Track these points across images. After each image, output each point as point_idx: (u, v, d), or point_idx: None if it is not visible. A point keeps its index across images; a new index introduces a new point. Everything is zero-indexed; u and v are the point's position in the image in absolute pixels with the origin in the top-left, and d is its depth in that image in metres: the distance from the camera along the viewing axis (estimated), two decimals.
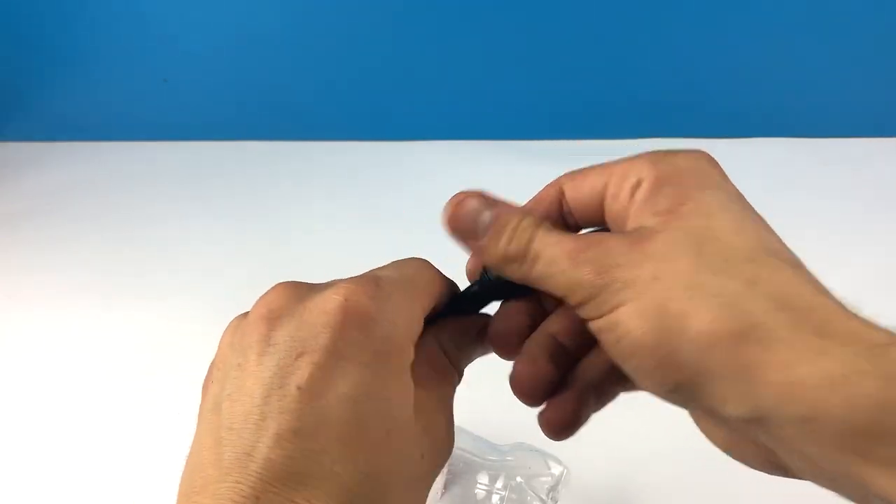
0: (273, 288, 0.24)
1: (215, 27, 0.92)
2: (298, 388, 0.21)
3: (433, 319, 0.27)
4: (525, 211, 0.26)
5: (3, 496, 0.54)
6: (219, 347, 0.24)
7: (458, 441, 0.43)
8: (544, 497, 0.41)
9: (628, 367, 0.23)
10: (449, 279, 0.28)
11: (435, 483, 0.40)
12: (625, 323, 0.22)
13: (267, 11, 0.90)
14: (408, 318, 0.24)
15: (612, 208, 0.25)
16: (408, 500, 0.23)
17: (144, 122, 0.98)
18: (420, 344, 0.25)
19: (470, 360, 0.28)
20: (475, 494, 0.41)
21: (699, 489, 0.51)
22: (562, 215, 0.27)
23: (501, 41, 0.89)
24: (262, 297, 0.24)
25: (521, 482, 0.41)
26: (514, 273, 0.25)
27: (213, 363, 0.24)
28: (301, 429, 0.20)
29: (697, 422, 0.25)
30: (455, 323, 0.28)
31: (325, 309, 0.22)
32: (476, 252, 0.27)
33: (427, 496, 0.24)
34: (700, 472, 0.51)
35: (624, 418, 0.57)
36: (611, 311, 0.22)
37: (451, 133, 0.95)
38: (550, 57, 0.90)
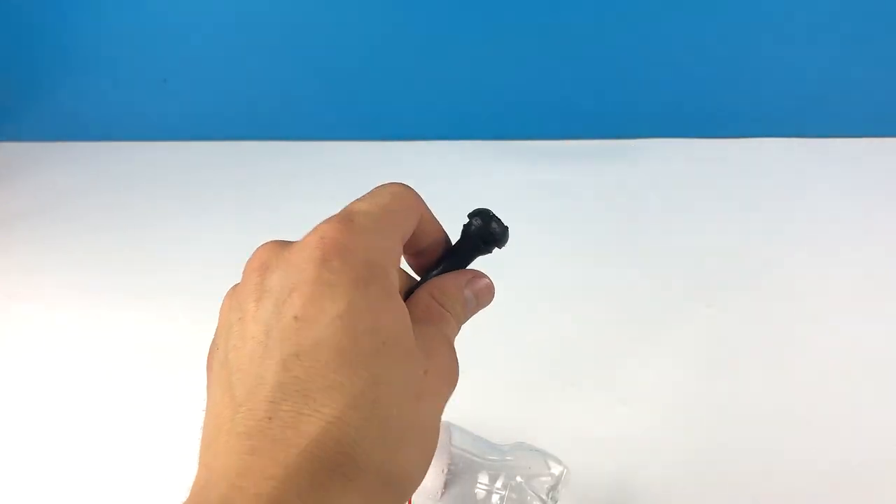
0: (257, 248, 0.26)
1: (215, 27, 0.92)
2: (295, 318, 0.22)
3: (425, 278, 0.29)
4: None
5: (3, 495, 0.54)
6: (219, 317, 0.25)
7: (458, 441, 0.43)
8: (544, 497, 0.41)
9: None
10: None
11: (434, 482, 0.40)
12: None
13: (267, 12, 0.90)
14: (384, 245, 0.25)
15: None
16: (420, 410, 0.23)
17: (144, 122, 0.98)
18: (414, 296, 0.27)
19: (463, 309, 0.29)
20: (475, 494, 0.40)
21: (699, 489, 0.51)
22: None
23: (501, 42, 0.90)
24: (250, 258, 0.25)
25: (521, 482, 0.41)
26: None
27: (214, 335, 0.25)
28: (301, 351, 0.21)
29: None
30: (444, 277, 0.29)
31: (306, 248, 0.24)
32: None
33: (441, 413, 0.25)
34: (700, 472, 0.51)
35: (623, 418, 0.57)
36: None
37: (450, 133, 0.95)
38: (550, 57, 0.90)
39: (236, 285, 0.25)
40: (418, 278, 0.30)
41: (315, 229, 0.24)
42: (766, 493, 0.48)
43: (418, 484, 0.24)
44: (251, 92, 0.97)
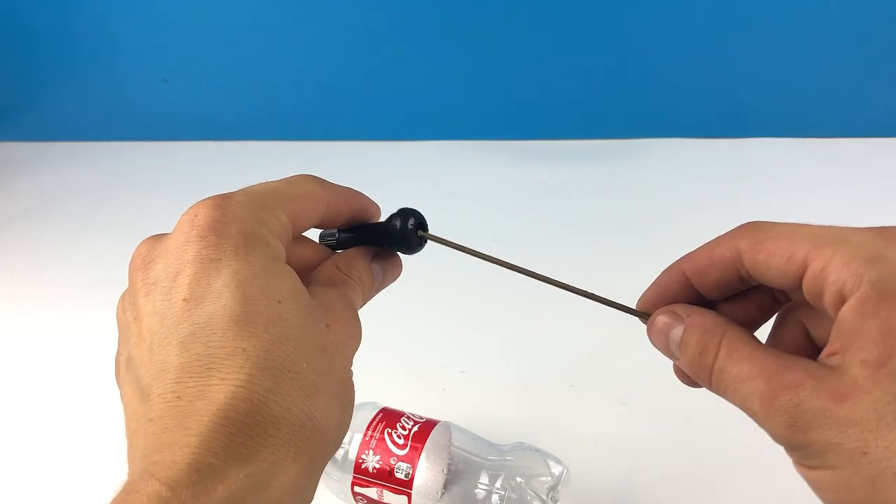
0: (135, 249, 0.26)
1: (215, 27, 0.92)
2: (184, 300, 0.22)
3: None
4: (707, 327, 0.25)
5: (3, 495, 0.54)
6: (117, 325, 0.26)
7: (458, 441, 0.43)
8: (544, 497, 0.41)
9: None
10: (339, 193, 0.29)
11: (434, 482, 0.40)
12: (835, 490, 0.21)
13: (267, 12, 0.90)
14: (262, 216, 0.25)
15: (818, 304, 0.23)
16: (329, 361, 0.24)
17: (144, 122, 0.98)
18: (320, 266, 0.28)
19: (369, 278, 0.29)
20: (475, 494, 0.41)
21: (699, 489, 0.51)
22: (740, 278, 0.26)
23: (501, 42, 0.89)
24: (131, 259, 0.26)
25: (521, 482, 0.41)
26: (719, 392, 0.24)
27: (117, 343, 0.26)
28: (197, 329, 0.22)
29: None
30: (352, 250, 0.30)
31: (181, 232, 0.24)
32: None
33: (349, 365, 0.25)
34: (700, 473, 0.51)
35: (623, 418, 0.57)
36: (814, 469, 0.22)
37: (450, 133, 0.95)
38: (550, 57, 0.90)
39: (125, 290, 0.26)
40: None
41: (187, 211, 0.25)
42: (765, 493, 0.48)
43: (340, 435, 0.24)
44: (251, 92, 0.97)
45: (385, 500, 0.41)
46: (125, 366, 0.24)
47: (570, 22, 0.87)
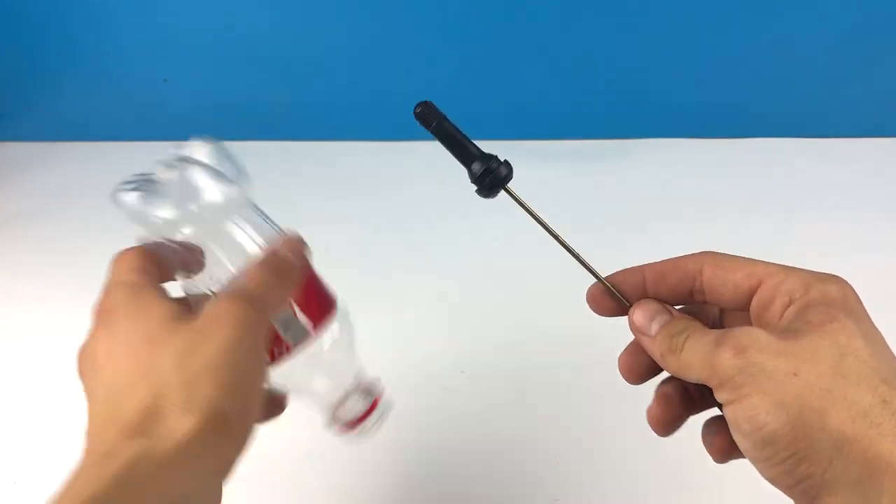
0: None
1: (215, 27, 0.92)
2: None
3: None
4: (689, 319, 0.31)
5: (3, 495, 0.54)
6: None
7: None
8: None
9: (758, 455, 0.26)
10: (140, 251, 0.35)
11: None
12: (763, 414, 0.25)
13: (267, 11, 0.90)
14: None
15: (761, 315, 0.29)
16: (204, 352, 0.28)
17: (144, 122, 0.98)
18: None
19: (258, 284, 0.32)
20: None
21: (700, 488, 0.51)
22: (691, 291, 0.32)
23: (501, 42, 0.89)
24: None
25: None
26: (669, 366, 0.30)
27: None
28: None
29: None
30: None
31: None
32: (643, 343, 0.32)
33: (231, 348, 0.28)
34: (700, 474, 0.51)
35: (626, 415, 0.57)
36: (746, 396, 0.25)
37: None
38: (550, 57, 0.90)
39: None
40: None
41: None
42: (765, 493, 0.48)
43: (250, 421, 0.29)
44: (251, 92, 0.97)
45: None
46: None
47: (570, 22, 0.87)
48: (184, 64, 0.95)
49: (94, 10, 0.92)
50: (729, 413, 0.27)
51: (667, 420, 0.33)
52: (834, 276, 0.29)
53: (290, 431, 0.58)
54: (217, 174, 0.34)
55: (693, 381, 0.29)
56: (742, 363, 0.26)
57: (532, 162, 0.91)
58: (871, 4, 0.84)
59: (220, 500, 0.28)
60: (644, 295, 0.33)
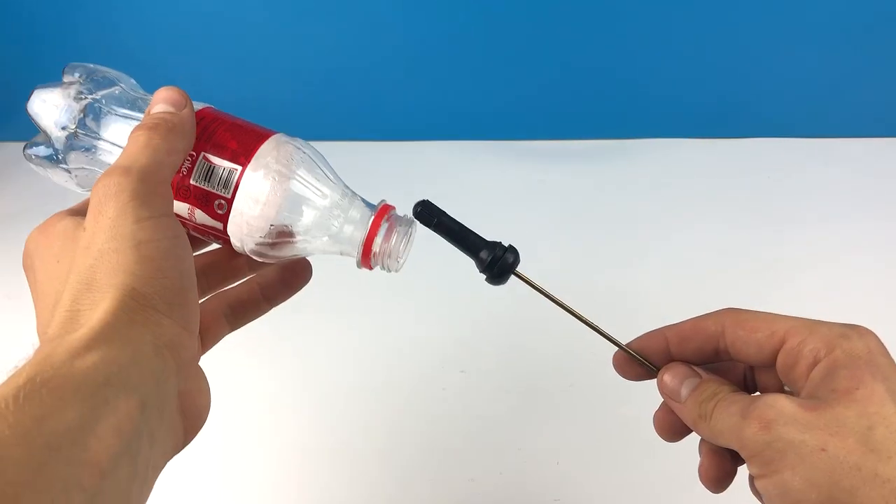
0: None
1: (216, 27, 0.92)
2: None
3: None
4: (719, 382, 0.31)
5: None
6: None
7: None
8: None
9: None
10: None
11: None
12: (794, 490, 0.25)
13: (268, 11, 0.90)
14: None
15: (788, 374, 0.29)
16: (97, 243, 0.28)
17: None
18: None
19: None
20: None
21: (700, 488, 0.51)
22: (715, 350, 0.32)
23: (502, 42, 0.89)
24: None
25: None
26: (702, 432, 0.30)
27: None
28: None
29: None
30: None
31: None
32: (675, 409, 0.32)
33: (134, 233, 0.28)
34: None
35: (623, 420, 0.57)
36: (775, 472, 0.25)
37: (450, 133, 0.95)
38: (550, 58, 0.90)
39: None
40: None
41: None
42: None
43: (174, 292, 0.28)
44: (252, 92, 0.97)
45: None
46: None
47: (570, 22, 0.87)
48: (183, 64, 0.95)
49: (94, 11, 0.92)
50: (760, 485, 0.27)
51: (719, 476, 0.32)
52: (857, 328, 0.28)
53: (286, 433, 0.58)
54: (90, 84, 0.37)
55: (726, 447, 0.29)
56: (769, 438, 0.26)
57: (532, 162, 0.91)
58: (871, 4, 0.84)
59: (172, 372, 0.27)
60: (670, 358, 0.33)
